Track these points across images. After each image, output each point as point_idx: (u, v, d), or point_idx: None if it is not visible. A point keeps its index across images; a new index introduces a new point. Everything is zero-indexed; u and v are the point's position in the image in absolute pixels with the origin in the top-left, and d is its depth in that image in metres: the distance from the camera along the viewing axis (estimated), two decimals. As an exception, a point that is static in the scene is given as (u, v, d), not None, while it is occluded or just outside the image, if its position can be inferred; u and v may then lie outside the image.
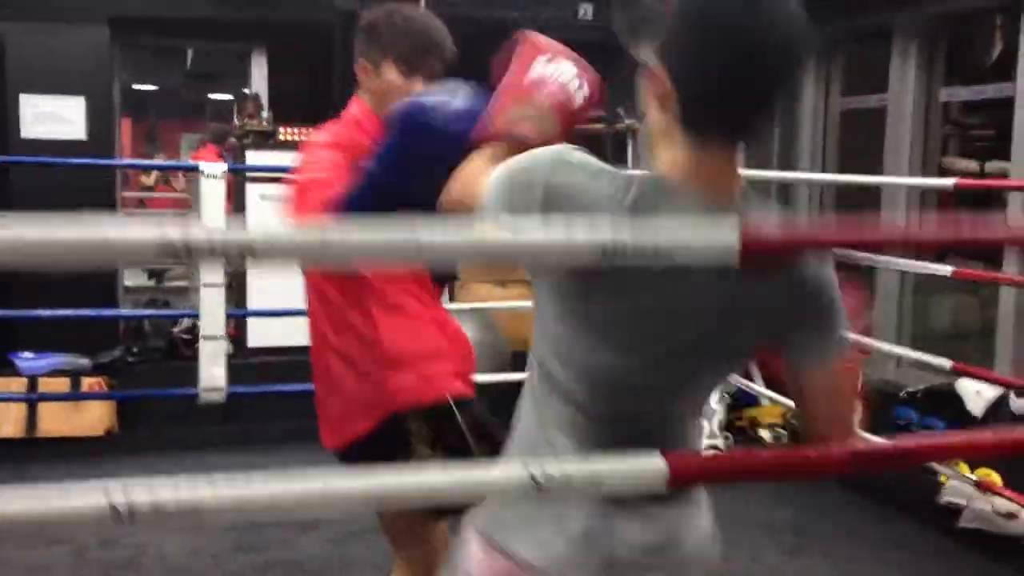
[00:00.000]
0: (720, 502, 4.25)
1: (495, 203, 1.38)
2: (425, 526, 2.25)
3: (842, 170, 5.93)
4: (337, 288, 2.14)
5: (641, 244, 1.17)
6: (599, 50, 6.33)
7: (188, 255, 1.07)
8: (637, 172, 1.44)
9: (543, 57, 1.71)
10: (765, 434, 5.07)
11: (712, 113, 1.30)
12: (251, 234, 1.11)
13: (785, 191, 6.22)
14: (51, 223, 1.04)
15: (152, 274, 7.92)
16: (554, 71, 1.70)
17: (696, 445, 1.49)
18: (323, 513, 1.18)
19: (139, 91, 10.71)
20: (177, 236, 1.07)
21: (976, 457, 1.29)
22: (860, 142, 5.91)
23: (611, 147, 6.51)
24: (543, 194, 1.33)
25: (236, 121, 5.86)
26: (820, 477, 1.34)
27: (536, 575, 1.35)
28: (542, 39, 1.75)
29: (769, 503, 4.23)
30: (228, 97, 11.01)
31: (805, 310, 1.32)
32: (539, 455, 1.31)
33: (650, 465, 1.19)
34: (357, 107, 2.31)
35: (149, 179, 10.95)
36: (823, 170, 6.00)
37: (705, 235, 1.20)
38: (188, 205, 8.86)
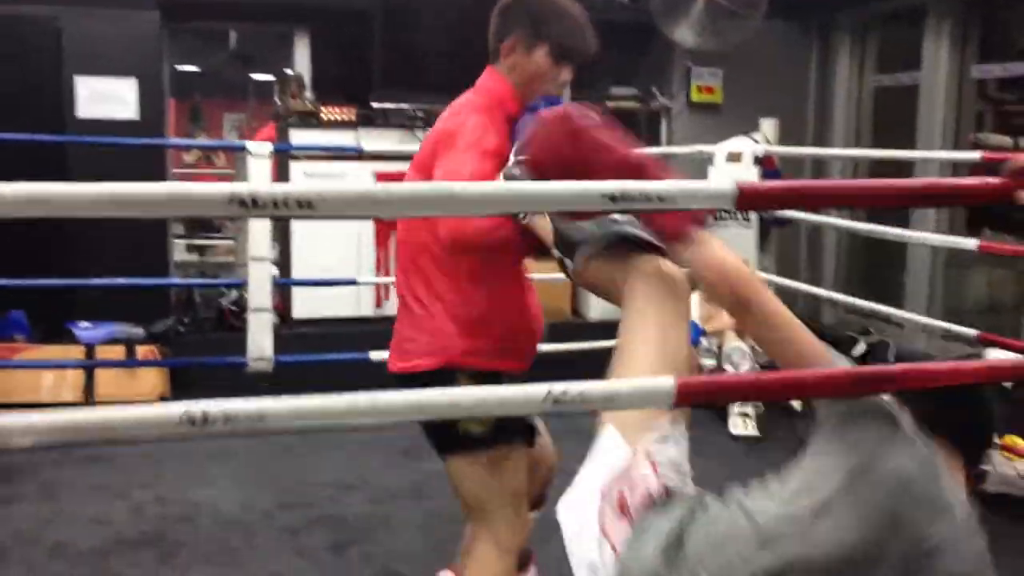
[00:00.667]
0: (750, 467, 4.37)
1: None
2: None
3: (875, 147, 6.00)
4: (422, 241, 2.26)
5: (646, 190, 1.31)
6: (634, 30, 6.52)
7: (254, 205, 1.23)
8: None
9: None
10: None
11: None
12: (309, 189, 1.27)
13: (819, 167, 6.29)
14: (139, 184, 1.20)
15: (198, 249, 8.16)
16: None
17: None
18: (366, 420, 1.32)
19: (182, 72, 10.95)
20: (245, 190, 1.23)
21: (956, 381, 1.39)
22: (893, 119, 5.97)
23: (644, 125, 6.60)
24: None
25: (278, 101, 6.03)
26: (817, 396, 1.44)
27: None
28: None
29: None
30: (270, 78, 11.24)
31: None
32: None
33: (659, 385, 1.33)
34: (497, 83, 2.37)
35: (191, 157, 11.21)
36: (857, 146, 6.06)
37: (708, 186, 1.36)
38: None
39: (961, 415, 1.57)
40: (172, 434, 1.29)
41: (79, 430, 1.28)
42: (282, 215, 1.25)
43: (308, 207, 1.25)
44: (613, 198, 1.31)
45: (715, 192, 1.38)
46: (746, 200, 1.35)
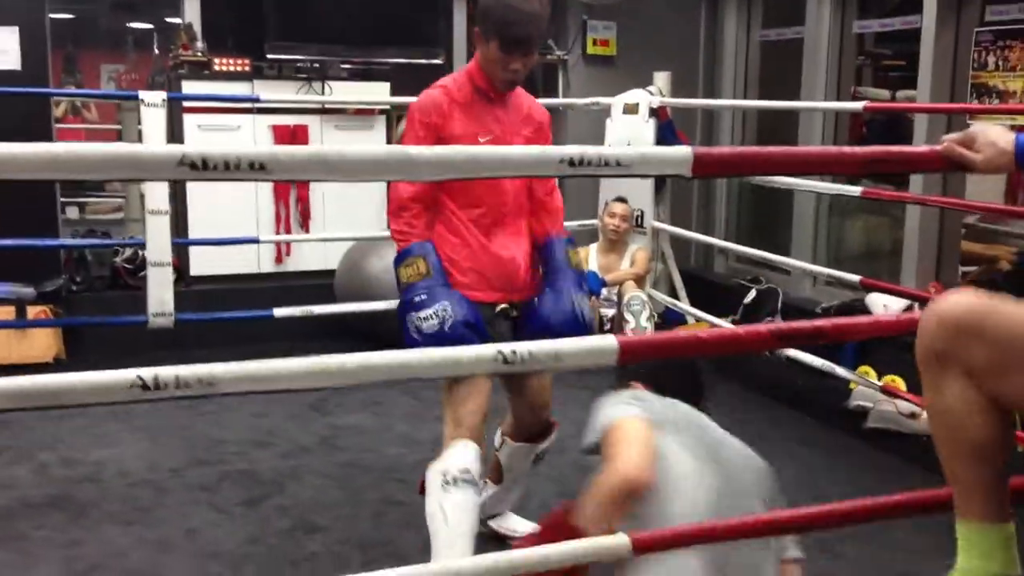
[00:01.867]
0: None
1: None
2: None
3: (762, 98, 6.21)
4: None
5: (605, 156, 1.38)
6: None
7: (204, 167, 1.25)
8: None
9: None
10: (690, 350, 5.36)
11: None
12: (261, 151, 1.29)
13: (710, 117, 6.48)
14: (88, 144, 1.21)
15: (79, 206, 7.88)
16: None
17: None
18: (321, 382, 1.37)
19: (57, 20, 10.46)
20: (194, 152, 1.25)
21: (875, 334, 1.53)
22: (779, 72, 6.18)
23: (542, 78, 6.67)
24: None
25: (157, 51, 5.85)
26: (747, 352, 1.56)
27: None
28: None
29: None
30: (148, 27, 10.85)
31: None
32: None
33: (604, 344, 1.42)
34: (473, 64, 2.84)
35: (59, 110, 10.74)
36: (745, 98, 6.26)
37: (664, 152, 1.44)
38: (105, 137, 8.79)
39: (678, 379, 2.27)
40: (123, 400, 1.32)
41: (23, 396, 1.29)
42: (234, 177, 1.27)
43: (261, 169, 1.27)
44: (572, 162, 1.37)
45: (670, 157, 1.46)
46: (700, 166, 1.43)
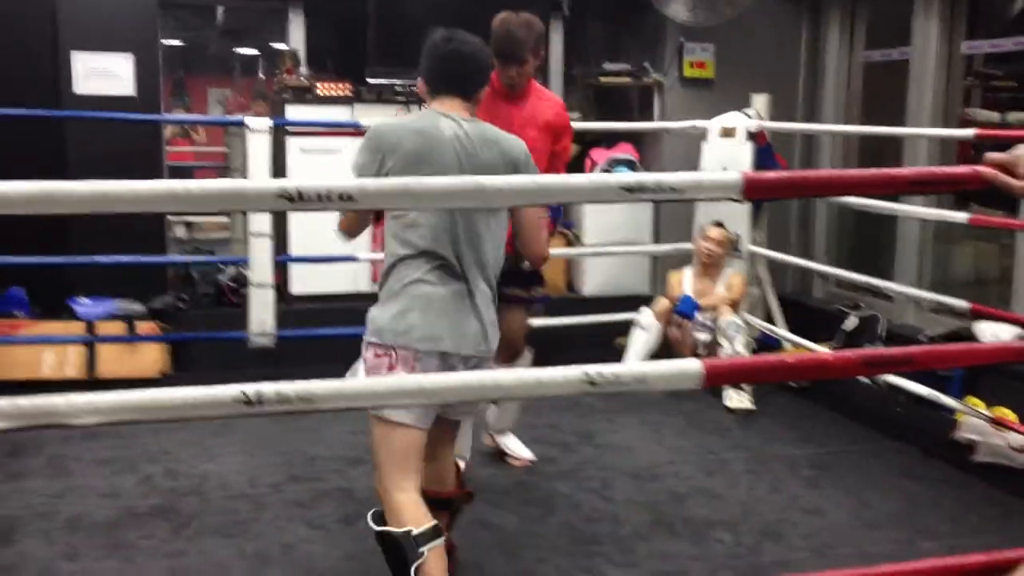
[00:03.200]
0: (745, 439, 4.50)
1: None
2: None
3: (865, 122, 6.06)
4: None
5: (661, 181, 1.39)
6: (626, 5, 6.56)
7: (300, 199, 1.29)
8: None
9: None
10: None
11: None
12: (350, 183, 1.33)
13: (810, 141, 6.36)
14: (193, 181, 1.27)
15: (187, 225, 8.16)
16: None
17: None
18: (411, 401, 1.39)
19: (167, 46, 10.89)
20: (291, 185, 1.29)
21: (971, 363, 1.48)
22: (883, 95, 6.04)
23: (637, 101, 6.66)
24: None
25: (262, 76, 6.05)
26: (835, 377, 1.51)
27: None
28: None
29: (791, 440, 4.46)
30: (255, 52, 11.21)
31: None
32: None
33: (688, 368, 1.41)
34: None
35: (167, 131, 11.13)
36: (846, 122, 6.13)
37: (717, 177, 1.44)
38: (212, 158, 9.10)
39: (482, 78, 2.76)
40: (227, 414, 1.36)
41: (136, 409, 1.34)
42: (326, 208, 1.31)
43: (349, 200, 1.31)
44: (630, 189, 1.39)
45: (722, 183, 1.46)
46: (752, 190, 1.42)
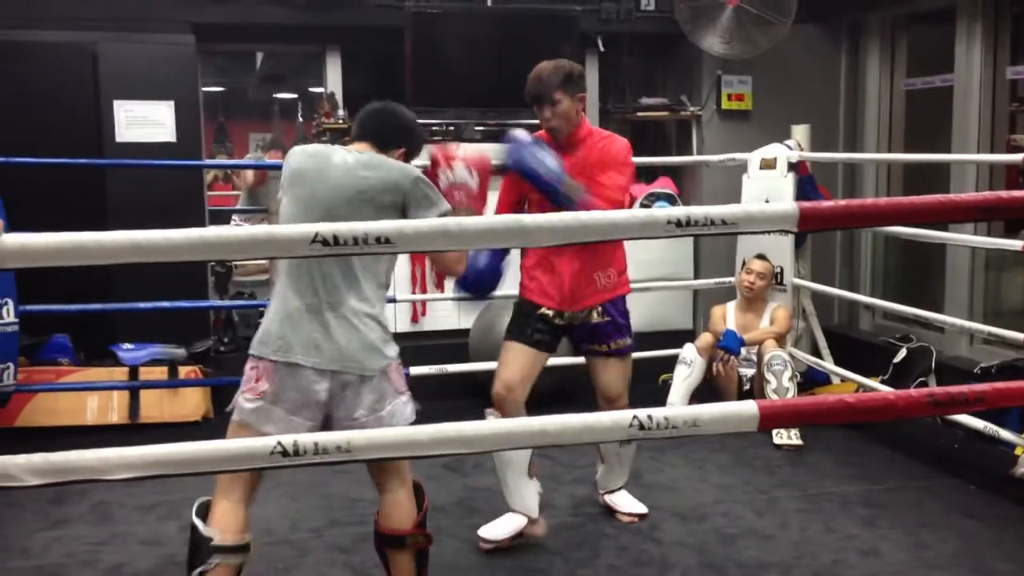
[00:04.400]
0: (795, 476, 4.38)
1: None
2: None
3: (908, 150, 5.97)
4: None
5: (711, 215, 1.34)
6: (660, 40, 6.54)
7: (335, 243, 1.26)
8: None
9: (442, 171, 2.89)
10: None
11: None
12: (387, 225, 1.29)
13: (852, 171, 6.27)
14: (226, 228, 1.24)
15: (228, 268, 8.22)
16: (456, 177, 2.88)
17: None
18: (450, 450, 1.34)
19: (207, 93, 11.06)
20: (326, 230, 1.26)
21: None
22: (926, 122, 5.94)
23: (675, 133, 6.61)
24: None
25: (301, 119, 6.09)
26: (900, 418, 1.44)
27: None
28: (439, 154, 2.92)
29: (843, 477, 4.33)
30: (293, 96, 11.35)
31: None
32: None
33: (743, 410, 1.34)
34: None
35: (208, 176, 11.26)
36: (889, 150, 6.04)
37: (769, 208, 1.39)
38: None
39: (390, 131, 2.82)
40: (264, 467, 1.32)
41: (170, 464, 1.31)
42: (363, 252, 1.27)
43: (386, 243, 1.27)
44: (679, 223, 1.34)
45: (776, 214, 1.40)
46: (807, 221, 1.37)
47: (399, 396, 2.73)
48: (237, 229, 1.24)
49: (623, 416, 1.28)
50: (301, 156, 2.80)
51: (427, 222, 1.30)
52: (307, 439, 1.26)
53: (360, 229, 1.25)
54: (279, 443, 1.25)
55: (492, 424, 1.32)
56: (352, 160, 2.73)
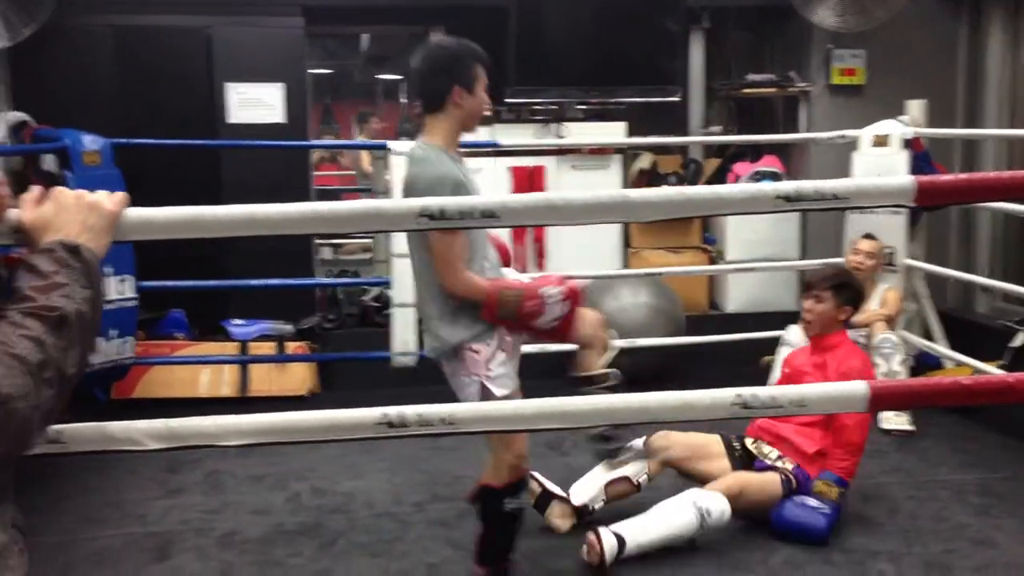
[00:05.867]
0: (905, 462, 4.25)
1: None
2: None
3: (1033, 124, 5.70)
4: None
5: (821, 189, 1.30)
6: (769, 14, 6.40)
7: (442, 217, 1.27)
8: None
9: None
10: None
11: None
12: (493, 200, 1.30)
13: (971, 147, 6.02)
14: (337, 203, 1.26)
15: (333, 247, 8.39)
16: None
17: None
18: (552, 424, 1.34)
19: (315, 75, 11.27)
20: (433, 203, 1.27)
21: None
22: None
23: (783, 110, 6.45)
24: None
25: (405, 100, 6.15)
26: (1020, 402, 1.37)
27: None
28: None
29: (956, 464, 4.19)
30: (398, 77, 11.48)
31: None
32: None
33: (855, 390, 1.31)
34: None
35: (315, 156, 11.46)
36: (1011, 126, 5.77)
37: (884, 183, 1.34)
38: (355, 181, 9.35)
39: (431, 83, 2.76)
40: (370, 436, 1.34)
41: (281, 431, 1.34)
42: (468, 225, 1.28)
43: (492, 216, 1.28)
44: (788, 198, 1.30)
45: (892, 188, 1.35)
46: (924, 196, 1.31)
47: (465, 378, 2.77)
48: (346, 203, 1.26)
49: (725, 394, 1.25)
50: None
51: (535, 196, 1.30)
52: (411, 411, 1.28)
53: (467, 203, 1.26)
54: (384, 414, 1.27)
55: (594, 400, 1.31)
56: (409, 151, 2.87)
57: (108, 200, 1.17)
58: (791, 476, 3.50)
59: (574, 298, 2.79)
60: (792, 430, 3.57)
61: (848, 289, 3.67)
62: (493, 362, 2.72)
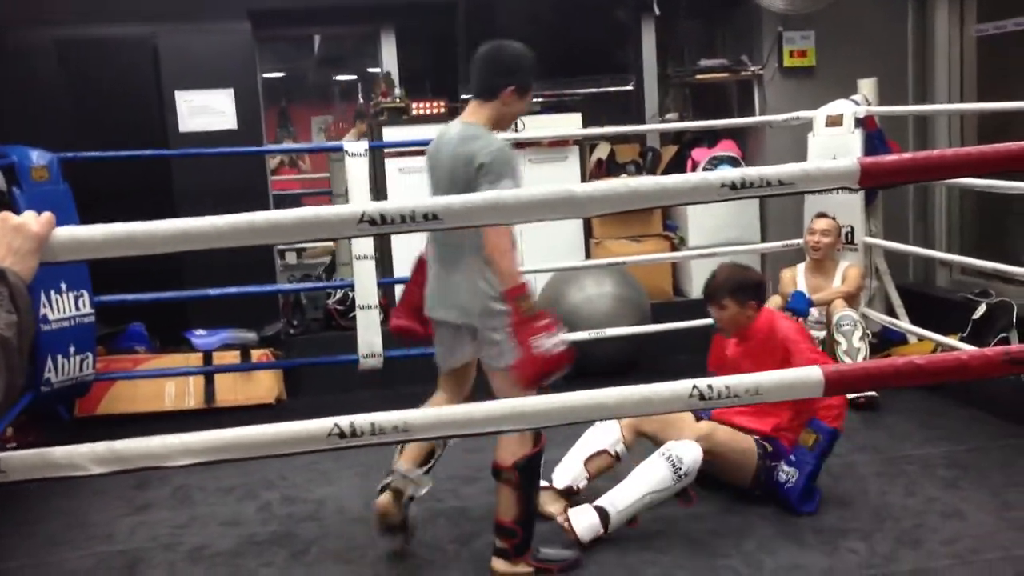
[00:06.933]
0: (873, 439, 4.29)
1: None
2: None
3: (982, 100, 5.76)
4: None
5: (766, 176, 1.29)
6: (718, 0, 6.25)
7: (383, 222, 1.24)
8: None
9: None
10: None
11: None
12: (435, 202, 1.27)
13: (923, 124, 6.07)
14: (274, 212, 1.23)
15: (296, 252, 8.30)
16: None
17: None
18: (510, 425, 1.33)
19: (268, 79, 11.16)
20: (373, 208, 1.24)
21: None
22: (1000, 69, 5.72)
23: (737, 94, 6.48)
24: None
25: (362, 100, 6.11)
26: (975, 378, 1.37)
27: None
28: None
29: (923, 439, 4.23)
30: (353, 78, 11.40)
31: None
32: None
33: (808, 376, 1.30)
34: None
35: (273, 161, 11.37)
36: (961, 101, 5.83)
37: (828, 166, 1.33)
38: (317, 184, 9.27)
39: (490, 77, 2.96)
40: (322, 448, 1.32)
41: (230, 448, 1.31)
42: (410, 229, 1.26)
43: (434, 219, 1.26)
44: (733, 186, 1.29)
45: (835, 171, 1.35)
46: (868, 177, 1.31)
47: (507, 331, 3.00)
48: (285, 212, 1.23)
49: (682, 386, 1.24)
50: (433, 141, 3.07)
51: (477, 196, 1.28)
52: (364, 420, 1.25)
53: (408, 207, 1.24)
54: (336, 425, 1.25)
55: (552, 399, 1.30)
56: (455, 133, 2.97)
57: (34, 222, 1.14)
58: (764, 443, 3.54)
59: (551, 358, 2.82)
60: (746, 420, 3.62)
61: (744, 289, 3.61)
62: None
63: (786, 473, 3.51)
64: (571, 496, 3.57)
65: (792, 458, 3.52)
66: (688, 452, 3.35)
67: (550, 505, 3.54)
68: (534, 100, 5.98)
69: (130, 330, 5.35)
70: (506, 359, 2.95)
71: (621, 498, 3.33)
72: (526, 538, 3.10)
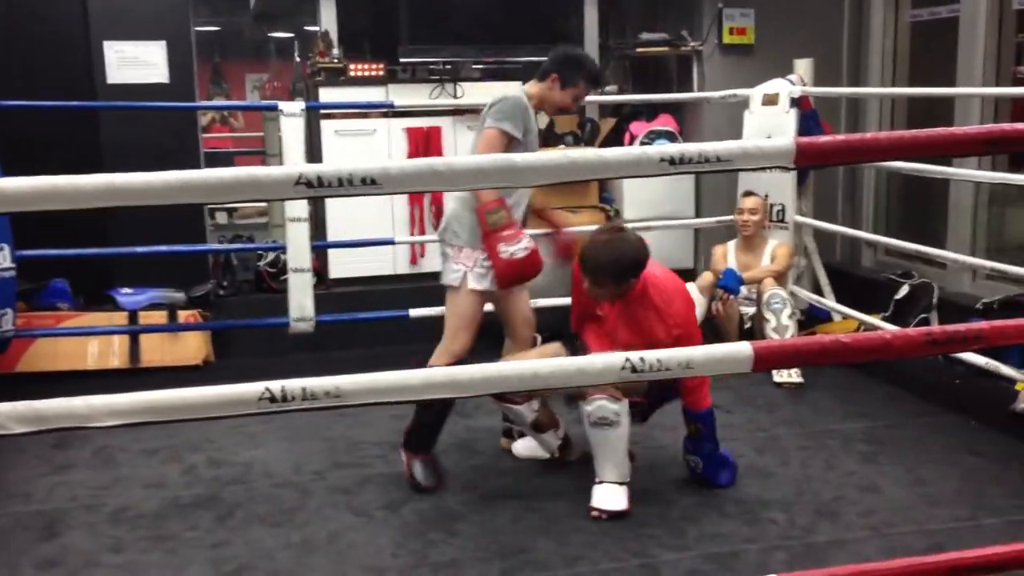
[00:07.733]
0: (796, 414, 4.38)
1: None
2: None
3: (913, 84, 5.87)
4: None
5: (705, 152, 1.30)
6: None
7: (320, 185, 1.22)
8: None
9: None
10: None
11: None
12: (373, 167, 1.25)
13: (856, 105, 6.18)
14: (207, 170, 1.20)
15: (227, 211, 8.15)
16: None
17: None
18: (441, 394, 1.32)
19: (202, 33, 10.87)
20: (310, 171, 1.22)
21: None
22: (932, 55, 5.84)
23: (676, 69, 6.51)
24: None
25: (298, 59, 5.99)
26: (898, 358, 1.41)
27: None
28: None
29: (844, 415, 4.34)
30: (289, 35, 11.18)
31: None
32: None
33: (737, 351, 1.32)
34: None
35: (205, 118, 11.11)
36: (893, 84, 5.94)
37: (765, 144, 1.35)
38: (250, 144, 9.10)
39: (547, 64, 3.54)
40: (251, 412, 1.30)
41: (158, 410, 1.29)
42: (348, 193, 1.24)
43: (372, 184, 1.24)
44: (672, 161, 1.30)
45: (772, 150, 1.36)
46: (804, 156, 1.33)
47: (455, 264, 3.50)
48: (219, 171, 1.20)
49: (615, 359, 1.25)
50: None
51: (414, 162, 1.26)
52: (295, 384, 1.24)
53: (346, 170, 1.22)
54: (267, 389, 1.23)
55: (482, 368, 1.29)
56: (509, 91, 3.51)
57: None
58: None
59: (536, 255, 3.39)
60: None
61: (626, 272, 3.39)
62: (478, 264, 3.43)
63: (692, 462, 3.57)
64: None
65: (689, 447, 3.57)
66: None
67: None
68: (474, 67, 5.99)
69: (52, 286, 5.20)
70: (447, 277, 3.49)
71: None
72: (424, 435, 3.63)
